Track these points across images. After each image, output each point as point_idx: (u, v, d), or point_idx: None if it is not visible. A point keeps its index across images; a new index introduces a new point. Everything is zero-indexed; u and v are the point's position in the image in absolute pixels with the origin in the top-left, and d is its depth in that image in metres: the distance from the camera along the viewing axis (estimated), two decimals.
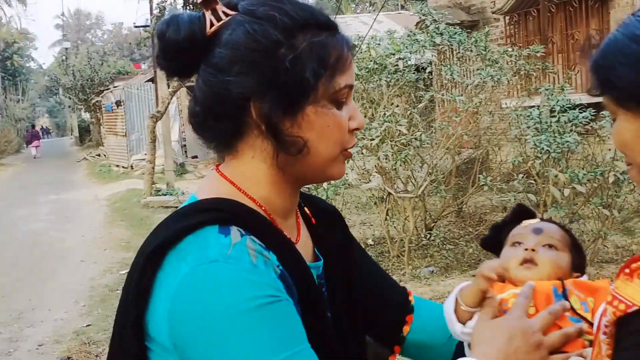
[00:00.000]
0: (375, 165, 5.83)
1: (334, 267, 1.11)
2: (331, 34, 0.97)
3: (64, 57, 41.92)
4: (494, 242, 1.18)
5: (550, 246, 1.08)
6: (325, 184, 6.14)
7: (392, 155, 5.56)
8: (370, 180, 6.82)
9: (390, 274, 6.19)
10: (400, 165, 5.84)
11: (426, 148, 6.14)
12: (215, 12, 0.96)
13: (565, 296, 1.00)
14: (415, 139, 5.48)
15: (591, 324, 0.95)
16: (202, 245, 0.89)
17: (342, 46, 0.98)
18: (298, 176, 1.01)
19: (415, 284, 5.90)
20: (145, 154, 15.06)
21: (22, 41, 59.42)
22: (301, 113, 0.94)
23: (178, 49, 0.97)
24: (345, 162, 1.04)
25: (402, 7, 28.38)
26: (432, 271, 6.22)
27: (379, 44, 6.22)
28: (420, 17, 7.09)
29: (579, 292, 1.01)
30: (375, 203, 6.92)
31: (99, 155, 26.72)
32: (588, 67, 0.92)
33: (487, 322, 1.00)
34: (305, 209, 1.16)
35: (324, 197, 6.16)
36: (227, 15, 0.96)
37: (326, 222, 1.17)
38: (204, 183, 1.06)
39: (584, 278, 1.08)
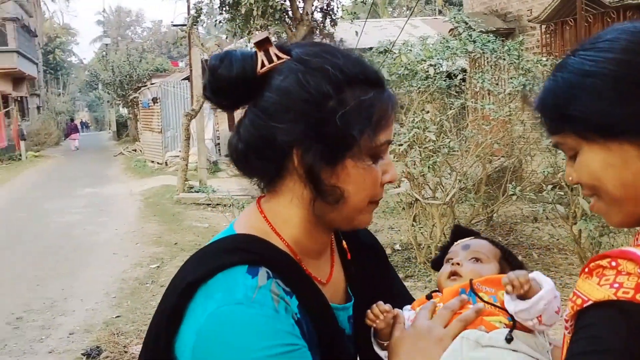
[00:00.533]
0: (402, 171, 5.84)
1: (365, 308, 1.13)
2: (379, 91, 1.01)
3: (104, 53, 42.73)
4: (440, 261, 1.28)
5: (476, 260, 1.20)
6: None
7: (420, 161, 5.57)
8: (399, 186, 6.83)
9: (415, 280, 6.21)
10: (429, 172, 5.85)
11: (455, 155, 6.13)
12: (267, 54, 1.00)
13: (471, 294, 1.12)
14: (444, 145, 5.48)
15: (507, 312, 1.08)
16: (230, 285, 0.94)
17: (387, 104, 1.01)
18: (330, 222, 1.04)
19: None
20: (180, 151, 15.28)
21: (64, 36, 60.75)
22: (341, 165, 0.98)
23: (229, 86, 1.00)
24: (373, 211, 1.07)
25: (440, 12, 28.21)
26: None
27: (411, 50, 6.23)
28: (453, 25, 7.08)
29: (488, 288, 1.12)
30: (403, 208, 6.94)
31: (135, 150, 27.14)
32: (534, 110, 0.97)
33: (396, 336, 1.09)
34: (344, 242, 1.19)
35: None
36: (279, 58, 0.99)
37: (363, 257, 1.20)
38: (243, 214, 1.11)
39: None
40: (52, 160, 25.78)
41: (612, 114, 0.86)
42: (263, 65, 0.99)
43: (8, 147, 25.95)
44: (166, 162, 19.95)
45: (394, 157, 5.68)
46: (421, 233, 6.58)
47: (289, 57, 1.00)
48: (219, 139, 20.00)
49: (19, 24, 30.81)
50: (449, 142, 5.51)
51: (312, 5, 10.09)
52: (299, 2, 9.94)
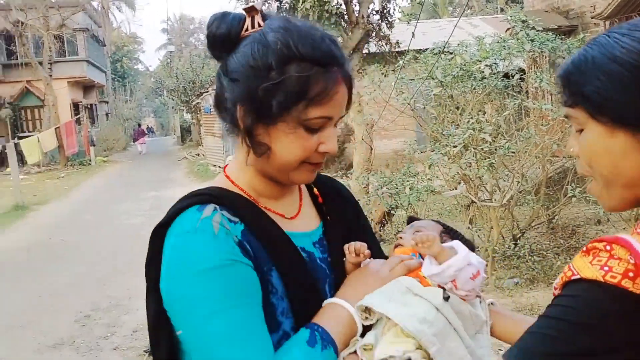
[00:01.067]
0: (457, 173, 5.77)
1: (336, 235, 1.32)
2: (321, 70, 1.12)
3: (168, 60, 43.86)
4: None
5: (417, 232, 1.36)
6: (407, 190, 6.18)
7: (475, 163, 5.50)
8: (456, 188, 6.76)
9: None
10: (486, 173, 5.76)
11: (513, 156, 6.02)
12: (252, 20, 1.16)
13: (419, 258, 1.28)
14: (500, 147, 5.39)
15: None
16: (183, 221, 1.14)
17: (327, 82, 1.12)
18: (266, 173, 1.22)
19: (498, 295, 5.80)
20: None
21: (130, 45, 62.81)
22: (273, 126, 1.14)
23: (214, 42, 1.18)
24: (313, 171, 1.22)
25: (502, 10, 27.61)
26: (517, 282, 6.08)
27: (466, 50, 6.15)
28: (510, 24, 6.95)
29: (432, 259, 1.23)
30: (460, 211, 6.85)
31: (198, 154, 27.78)
32: (557, 78, 0.98)
33: (353, 272, 1.27)
34: (315, 189, 1.38)
35: (405, 203, 6.19)
36: (259, 26, 1.16)
37: (338, 203, 1.39)
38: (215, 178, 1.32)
39: None
40: (120, 165, 26.72)
41: (628, 104, 0.88)
42: (247, 30, 1.16)
43: (79, 152, 27.07)
44: None
45: (449, 158, 5.63)
46: (478, 236, 6.48)
47: (260, 28, 1.15)
48: None
49: (89, 34, 32.11)
50: (505, 143, 5.41)
51: (368, 8, 10.10)
52: (355, 5, 9.97)
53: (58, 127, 24.91)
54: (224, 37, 1.16)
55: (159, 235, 1.18)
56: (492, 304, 1.29)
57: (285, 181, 1.22)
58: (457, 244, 1.21)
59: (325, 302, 1.19)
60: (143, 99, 67.98)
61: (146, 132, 43.16)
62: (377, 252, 1.36)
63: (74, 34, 29.49)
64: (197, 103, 29.41)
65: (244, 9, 1.16)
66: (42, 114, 27.82)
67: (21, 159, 20.82)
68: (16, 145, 17.08)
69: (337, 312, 1.16)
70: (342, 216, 1.36)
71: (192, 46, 67.32)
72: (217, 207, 1.15)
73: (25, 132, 27.97)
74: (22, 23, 25.46)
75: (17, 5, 25.50)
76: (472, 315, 1.18)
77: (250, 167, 1.21)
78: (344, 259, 1.28)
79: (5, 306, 6.70)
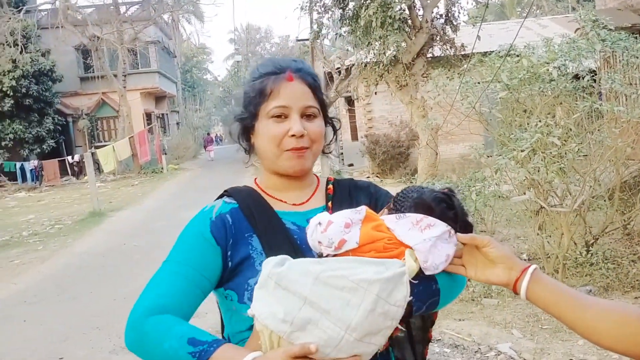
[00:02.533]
0: (526, 178, 5.63)
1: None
2: (272, 76, 1.53)
3: (235, 70, 44.75)
4: None
5: None
6: (474, 195, 6.08)
7: (544, 167, 5.35)
8: (524, 193, 6.59)
9: None
10: (556, 178, 5.59)
11: (584, 160, 5.81)
12: None
13: None
14: (570, 150, 5.22)
15: None
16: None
17: (275, 81, 1.52)
18: (268, 168, 1.58)
19: None
20: None
21: (200, 55, 64.49)
22: (257, 126, 1.55)
23: None
24: (298, 157, 1.51)
25: (573, 10, 26.73)
26: (590, 290, 5.88)
27: (533, 52, 5.99)
28: (579, 24, 6.73)
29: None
30: (529, 216, 6.68)
31: None
32: None
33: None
34: (330, 187, 1.65)
35: (472, 208, 6.08)
36: None
37: (342, 197, 1.62)
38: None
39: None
40: (190, 173, 27.47)
41: None
42: None
43: (151, 160, 28.02)
44: None
45: (516, 162, 5.50)
46: (548, 242, 6.30)
47: None
48: (342, 148, 20.33)
49: (160, 47, 33.24)
50: (576, 146, 5.24)
51: (432, 13, 10.01)
52: (419, 10, 9.91)
53: (132, 137, 25.90)
54: None
55: None
56: (536, 269, 1.33)
57: (280, 170, 1.54)
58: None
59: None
60: (212, 108, 69.62)
61: (214, 140, 44.28)
62: None
63: (146, 47, 30.58)
64: None
65: None
66: (117, 124, 28.95)
67: (98, 168, 21.74)
68: (93, 154, 17.86)
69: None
70: (349, 199, 1.60)
71: (258, 55, 68.51)
72: (227, 197, 1.58)
73: (101, 141, 29.20)
74: (98, 37, 26.62)
75: (93, 21, 26.71)
76: (354, 283, 1.20)
77: (261, 168, 1.58)
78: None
79: (84, 309, 7.03)
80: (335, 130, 1.68)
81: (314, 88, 1.56)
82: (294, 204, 1.57)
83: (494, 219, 6.85)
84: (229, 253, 1.47)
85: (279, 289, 1.22)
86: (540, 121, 5.27)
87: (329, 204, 1.60)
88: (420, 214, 1.34)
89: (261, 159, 1.56)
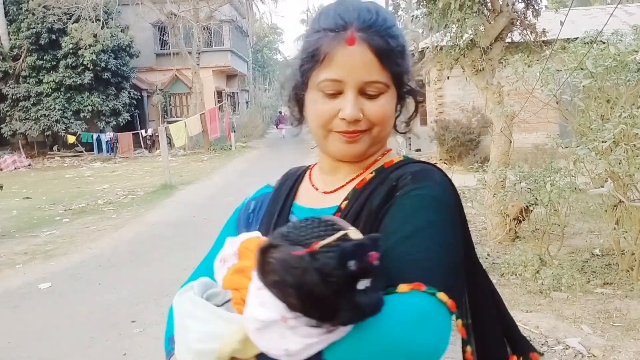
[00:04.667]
0: (605, 170, 5.42)
1: (348, 212, 1.22)
2: (328, 34, 1.17)
3: None
4: None
5: None
6: (548, 186, 5.90)
7: (626, 160, 5.13)
8: (602, 186, 6.35)
9: (615, 288, 5.77)
10: (638, 172, 5.36)
11: None
12: None
13: None
14: None
15: None
16: None
17: (333, 43, 1.15)
18: (322, 149, 1.28)
19: None
20: None
21: (271, 35, 65.03)
22: (306, 97, 1.25)
23: None
24: (347, 142, 1.19)
25: None
26: None
27: (621, 40, 5.72)
28: None
29: None
30: (605, 210, 6.44)
31: None
32: None
33: None
34: (369, 175, 1.25)
35: (545, 199, 5.91)
36: None
37: (369, 189, 1.22)
38: None
39: None
40: (257, 151, 27.87)
41: None
42: None
43: (220, 137, 28.59)
44: None
45: (596, 154, 5.30)
46: (624, 238, 6.06)
47: None
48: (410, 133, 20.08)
49: (234, 26, 33.70)
50: None
51: None
52: None
53: (203, 113, 26.48)
54: None
55: None
56: None
57: (329, 152, 1.26)
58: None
59: None
60: (281, 88, 70.14)
61: (286, 118, 44.74)
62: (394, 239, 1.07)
63: (220, 25, 31.07)
64: None
65: None
66: (189, 101, 29.65)
67: (169, 142, 22.38)
68: (166, 129, 18.39)
69: None
70: (366, 196, 1.20)
71: None
72: (279, 180, 1.43)
73: (173, 117, 30.02)
74: (175, 15, 27.24)
75: None
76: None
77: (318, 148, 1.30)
78: None
79: (154, 276, 7.30)
80: (417, 104, 1.29)
81: (385, 55, 1.15)
82: (324, 192, 1.29)
83: (568, 212, 6.63)
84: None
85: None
86: (624, 111, 5.05)
87: (343, 204, 1.22)
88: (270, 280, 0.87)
89: (314, 136, 1.26)
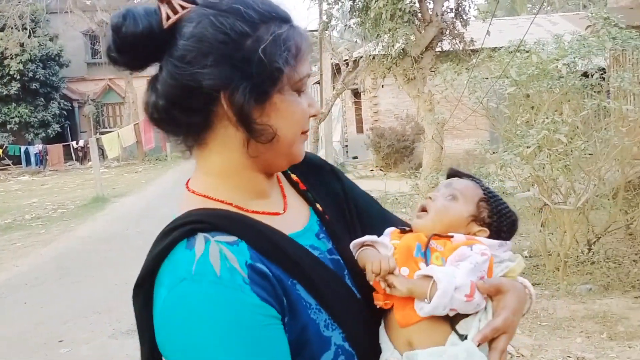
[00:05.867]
0: (530, 174, 5.61)
1: (335, 220, 1.15)
2: (291, 27, 1.00)
3: None
4: None
5: (453, 197, 1.13)
6: None
7: (549, 164, 5.33)
8: (529, 190, 6.58)
9: (543, 288, 5.96)
10: (560, 176, 5.58)
11: (589, 158, 5.79)
12: (171, 5, 0.98)
13: (427, 252, 1.05)
14: (576, 148, 5.20)
15: None
16: (174, 266, 0.93)
17: (301, 38, 1.01)
18: (267, 164, 1.04)
19: (569, 301, 5.63)
20: None
21: None
22: (269, 102, 0.97)
23: (135, 43, 0.97)
24: (304, 142, 1.08)
25: (584, 7, 26.59)
26: (590, 289, 5.88)
27: (543, 49, 5.96)
28: (590, 21, 6.68)
29: (443, 249, 1.04)
30: (533, 214, 6.67)
31: None
32: None
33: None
34: (292, 176, 1.18)
35: None
36: (183, 8, 0.98)
37: (316, 180, 1.19)
38: (178, 202, 1.08)
39: (483, 237, 1.11)
40: (195, 161, 27.40)
41: None
42: (168, 17, 0.97)
43: (155, 148, 28.02)
44: None
45: (522, 159, 5.49)
46: (550, 239, 6.29)
47: (194, 5, 0.98)
48: (347, 141, 20.32)
49: None
50: (582, 144, 5.22)
51: (443, 6, 9.97)
52: (429, 3, 9.86)
53: (137, 124, 25.88)
54: (148, 32, 0.97)
55: (145, 292, 0.97)
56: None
57: (286, 162, 1.07)
58: (432, 269, 1.00)
59: None
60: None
61: None
62: (374, 210, 1.24)
63: None
64: None
65: None
66: (123, 111, 29.00)
67: (102, 154, 21.77)
68: (98, 140, 17.89)
69: None
70: (330, 194, 1.18)
71: None
72: (207, 234, 0.95)
73: (106, 127, 29.24)
74: (106, 23, 26.55)
75: (102, 7, 26.68)
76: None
77: (233, 161, 1.03)
78: (353, 250, 1.10)
79: (85, 293, 7.05)
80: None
81: None
82: (281, 212, 1.09)
83: None
84: (285, 320, 0.94)
85: None
86: (547, 118, 5.25)
87: (318, 206, 1.15)
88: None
89: (265, 152, 1.01)
